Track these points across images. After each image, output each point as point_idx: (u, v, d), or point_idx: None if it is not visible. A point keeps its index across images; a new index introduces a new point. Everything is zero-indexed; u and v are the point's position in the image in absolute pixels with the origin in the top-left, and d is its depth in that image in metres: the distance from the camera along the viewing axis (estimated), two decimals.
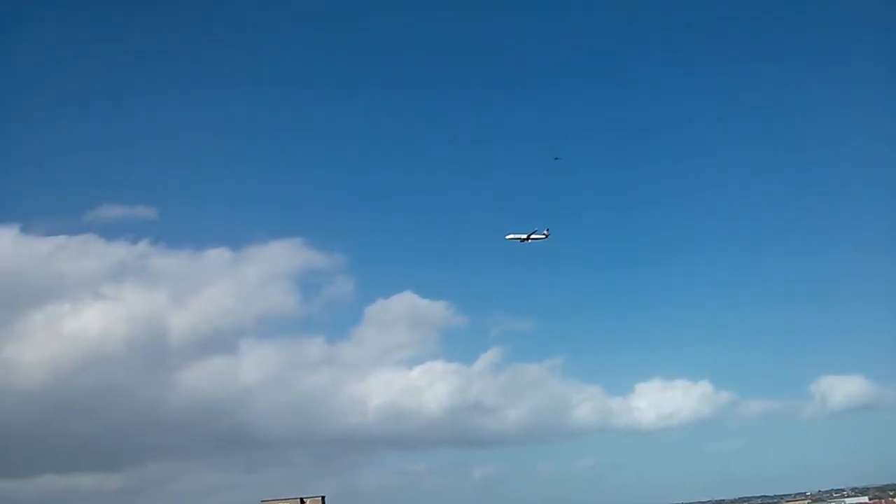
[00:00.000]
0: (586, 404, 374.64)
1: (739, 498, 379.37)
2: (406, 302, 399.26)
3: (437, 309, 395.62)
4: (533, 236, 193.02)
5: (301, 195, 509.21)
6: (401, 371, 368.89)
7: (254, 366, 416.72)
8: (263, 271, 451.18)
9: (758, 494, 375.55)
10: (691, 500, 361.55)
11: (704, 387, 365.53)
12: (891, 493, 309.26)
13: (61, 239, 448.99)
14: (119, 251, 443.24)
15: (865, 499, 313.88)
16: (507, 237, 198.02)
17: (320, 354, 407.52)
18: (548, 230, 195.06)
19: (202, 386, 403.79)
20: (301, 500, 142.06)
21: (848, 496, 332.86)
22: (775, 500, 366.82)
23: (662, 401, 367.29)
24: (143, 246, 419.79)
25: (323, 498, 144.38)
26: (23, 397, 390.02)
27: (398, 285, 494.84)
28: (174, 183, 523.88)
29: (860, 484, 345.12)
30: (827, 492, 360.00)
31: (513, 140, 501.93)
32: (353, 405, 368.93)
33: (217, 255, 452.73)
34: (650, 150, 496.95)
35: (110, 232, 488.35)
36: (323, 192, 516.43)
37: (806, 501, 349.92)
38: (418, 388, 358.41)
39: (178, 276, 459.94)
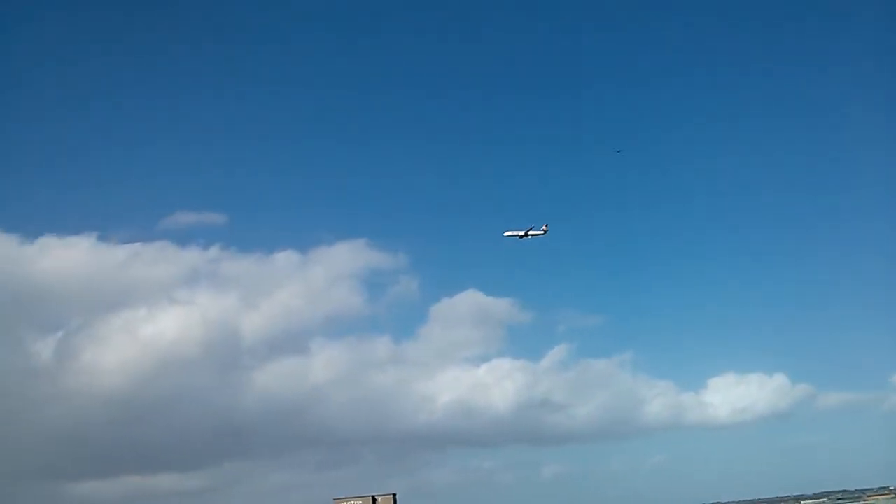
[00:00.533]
0: (658, 400, 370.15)
1: (819, 493, 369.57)
2: (470, 300, 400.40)
3: (501, 306, 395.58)
4: (531, 232, 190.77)
5: (364, 197, 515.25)
6: (468, 369, 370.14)
7: (324, 366, 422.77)
8: (330, 272, 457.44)
9: (838, 489, 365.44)
10: (769, 496, 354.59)
11: (780, 380, 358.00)
12: None
13: (136, 246, 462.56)
14: (192, 257, 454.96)
15: None
16: (506, 234, 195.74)
17: (388, 353, 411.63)
18: (546, 226, 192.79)
19: (275, 386, 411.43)
20: (373, 497, 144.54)
21: None
22: (856, 495, 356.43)
23: (736, 395, 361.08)
24: (214, 251, 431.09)
25: (394, 496, 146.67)
26: (104, 401, 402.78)
27: (462, 283, 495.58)
28: (242, 188, 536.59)
29: None
30: None
31: (568, 138, 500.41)
32: (421, 403, 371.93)
33: (285, 258, 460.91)
34: (697, 143, 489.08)
35: (183, 238, 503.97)
36: (384, 192, 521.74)
37: (889, 496, 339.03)
38: (486, 386, 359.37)
39: (249, 280, 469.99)
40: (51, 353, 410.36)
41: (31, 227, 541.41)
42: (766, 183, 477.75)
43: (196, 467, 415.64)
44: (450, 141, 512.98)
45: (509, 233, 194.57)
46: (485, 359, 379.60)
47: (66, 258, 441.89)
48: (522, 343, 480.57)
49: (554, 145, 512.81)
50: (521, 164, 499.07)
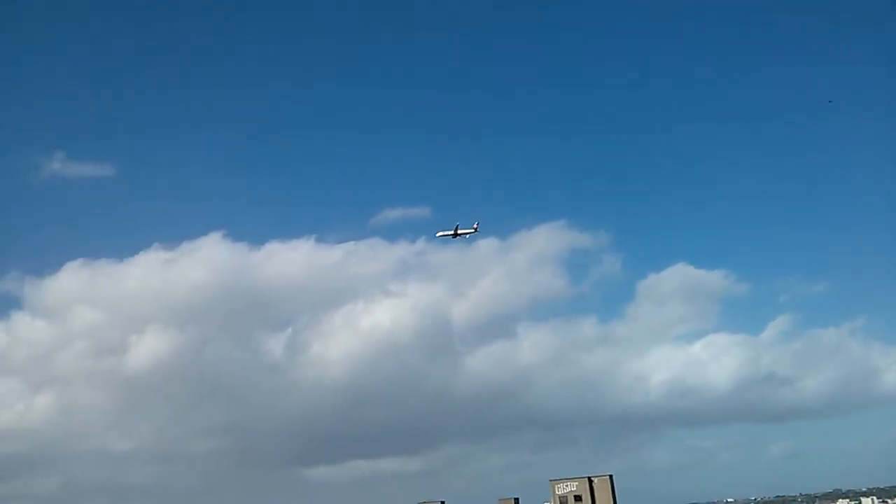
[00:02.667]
0: (895, 368, 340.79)
1: None
2: (680, 274, 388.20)
3: (714, 278, 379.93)
4: (460, 231, 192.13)
5: (561, 178, 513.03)
6: (681, 346, 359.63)
7: (532, 349, 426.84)
8: (531, 256, 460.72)
9: None
10: None
11: None
12: None
13: (350, 245, 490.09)
14: (401, 250, 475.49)
15: None
16: (438, 234, 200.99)
17: (595, 334, 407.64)
18: (477, 224, 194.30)
19: (486, 370, 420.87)
20: (589, 479, 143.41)
21: None
22: None
23: None
24: (420, 243, 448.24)
25: (611, 477, 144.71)
26: (330, 390, 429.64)
27: (670, 257, 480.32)
28: (444, 181, 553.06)
29: None
30: None
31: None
32: (634, 383, 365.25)
33: (487, 245, 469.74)
34: None
35: (392, 234, 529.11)
36: (581, 173, 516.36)
37: None
38: (702, 363, 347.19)
39: (455, 269, 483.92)
40: (282, 348, 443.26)
41: (257, 234, 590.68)
42: None
43: (416, 451, 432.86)
44: (646, 113, 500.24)
45: (441, 233, 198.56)
46: (699, 335, 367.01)
47: (290, 261, 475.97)
48: (740, 316, 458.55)
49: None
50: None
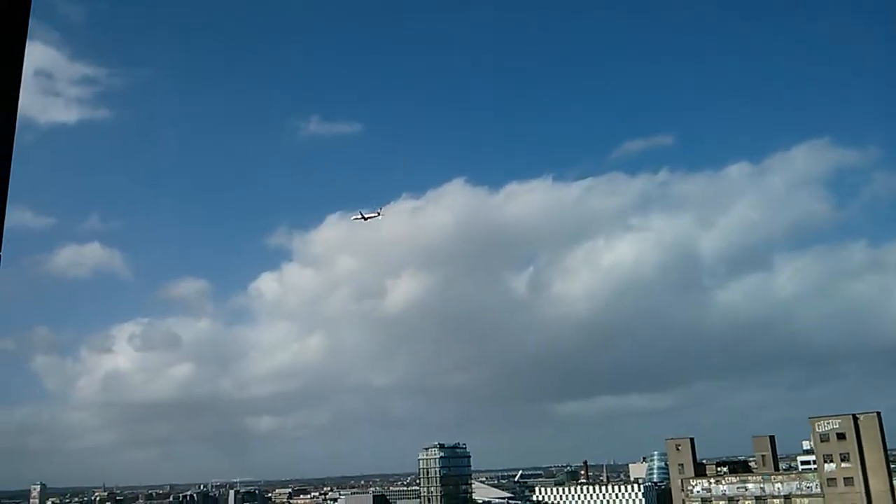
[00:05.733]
0: None
1: None
2: None
3: None
4: (366, 215, 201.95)
5: (822, 91, 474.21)
6: None
7: (790, 279, 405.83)
8: (788, 179, 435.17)
9: None
10: None
11: None
12: None
13: (589, 181, 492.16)
14: (642, 183, 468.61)
15: None
16: (352, 219, 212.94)
17: (865, 260, 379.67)
18: (381, 208, 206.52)
19: (739, 304, 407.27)
20: (853, 416, 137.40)
21: None
22: None
23: None
24: (663, 174, 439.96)
25: (878, 414, 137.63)
26: (575, 326, 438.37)
27: None
28: (688, 105, 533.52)
29: None
30: None
31: None
32: None
33: (737, 171, 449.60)
34: None
35: (632, 166, 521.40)
36: (843, 80, 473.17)
37: None
38: None
39: (701, 198, 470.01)
40: (525, 286, 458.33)
41: (496, 177, 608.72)
42: None
43: (664, 388, 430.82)
44: None
45: (354, 217, 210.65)
46: None
47: (529, 201, 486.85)
48: None
49: None
50: None
